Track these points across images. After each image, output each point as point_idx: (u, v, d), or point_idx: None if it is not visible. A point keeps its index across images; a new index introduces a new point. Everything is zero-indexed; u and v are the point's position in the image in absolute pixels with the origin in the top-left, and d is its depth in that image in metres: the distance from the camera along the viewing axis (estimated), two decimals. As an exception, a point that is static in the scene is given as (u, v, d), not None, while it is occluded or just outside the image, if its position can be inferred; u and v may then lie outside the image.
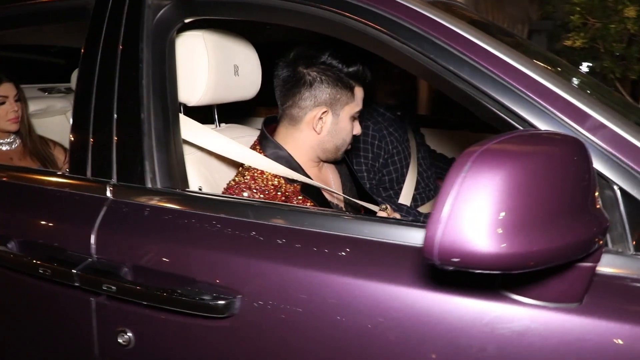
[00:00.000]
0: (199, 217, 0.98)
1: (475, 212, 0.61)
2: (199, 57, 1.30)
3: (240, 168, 1.33)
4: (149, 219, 1.00)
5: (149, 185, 1.05)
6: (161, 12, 1.17)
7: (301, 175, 1.26)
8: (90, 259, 1.00)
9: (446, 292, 0.78)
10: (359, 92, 1.35)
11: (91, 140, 1.12)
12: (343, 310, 0.82)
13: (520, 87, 0.84)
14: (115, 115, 1.10)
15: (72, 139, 1.16)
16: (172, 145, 1.12)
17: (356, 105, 1.35)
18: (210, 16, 1.20)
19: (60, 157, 2.20)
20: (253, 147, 1.34)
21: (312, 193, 1.29)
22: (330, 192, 1.39)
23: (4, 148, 2.06)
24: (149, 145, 1.07)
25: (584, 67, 4.84)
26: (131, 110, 1.09)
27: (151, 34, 1.15)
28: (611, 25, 4.22)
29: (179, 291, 0.90)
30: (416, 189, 2.15)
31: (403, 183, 2.13)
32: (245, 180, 1.24)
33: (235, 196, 1.19)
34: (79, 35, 1.25)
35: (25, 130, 2.09)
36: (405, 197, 2.14)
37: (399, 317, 0.80)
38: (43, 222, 1.12)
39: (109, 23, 1.18)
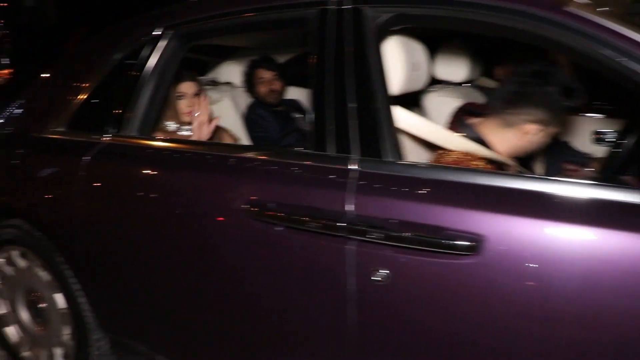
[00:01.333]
0: (438, 183, 1.27)
1: None
2: (396, 57, 1.58)
3: (439, 151, 1.62)
4: (397, 185, 1.30)
5: (389, 158, 1.35)
6: (377, 21, 1.46)
7: (503, 158, 1.55)
8: (351, 216, 1.32)
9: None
10: (563, 120, 1.62)
11: (332, 124, 1.43)
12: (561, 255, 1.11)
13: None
14: (354, 105, 1.41)
15: (313, 124, 1.48)
16: (395, 127, 1.42)
17: (555, 130, 1.63)
18: (415, 25, 1.48)
19: (229, 141, 2.57)
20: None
21: None
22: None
23: (189, 133, 2.45)
24: (385, 128, 1.37)
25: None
26: (368, 101, 1.40)
27: (374, 39, 1.45)
28: None
29: (433, 235, 1.20)
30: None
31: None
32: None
33: (462, 166, 1.48)
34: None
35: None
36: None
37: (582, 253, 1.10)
38: (298, 189, 1.44)
39: (337, 30, 1.48)
